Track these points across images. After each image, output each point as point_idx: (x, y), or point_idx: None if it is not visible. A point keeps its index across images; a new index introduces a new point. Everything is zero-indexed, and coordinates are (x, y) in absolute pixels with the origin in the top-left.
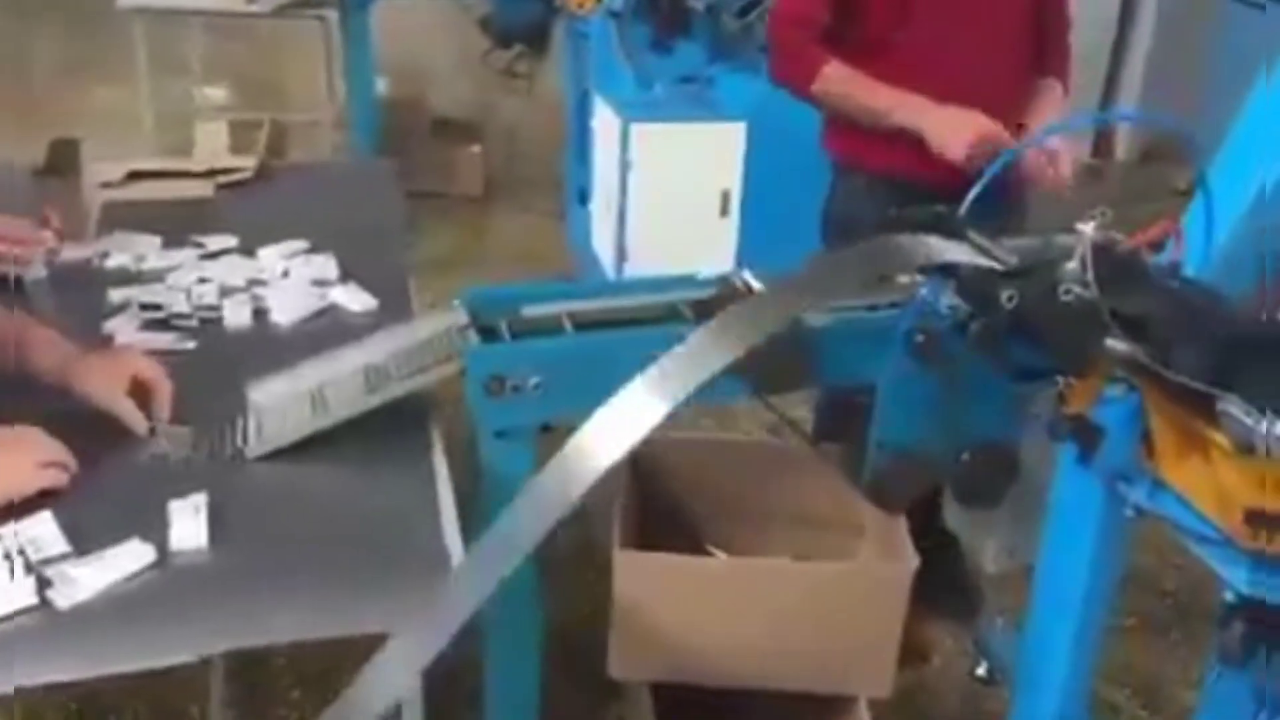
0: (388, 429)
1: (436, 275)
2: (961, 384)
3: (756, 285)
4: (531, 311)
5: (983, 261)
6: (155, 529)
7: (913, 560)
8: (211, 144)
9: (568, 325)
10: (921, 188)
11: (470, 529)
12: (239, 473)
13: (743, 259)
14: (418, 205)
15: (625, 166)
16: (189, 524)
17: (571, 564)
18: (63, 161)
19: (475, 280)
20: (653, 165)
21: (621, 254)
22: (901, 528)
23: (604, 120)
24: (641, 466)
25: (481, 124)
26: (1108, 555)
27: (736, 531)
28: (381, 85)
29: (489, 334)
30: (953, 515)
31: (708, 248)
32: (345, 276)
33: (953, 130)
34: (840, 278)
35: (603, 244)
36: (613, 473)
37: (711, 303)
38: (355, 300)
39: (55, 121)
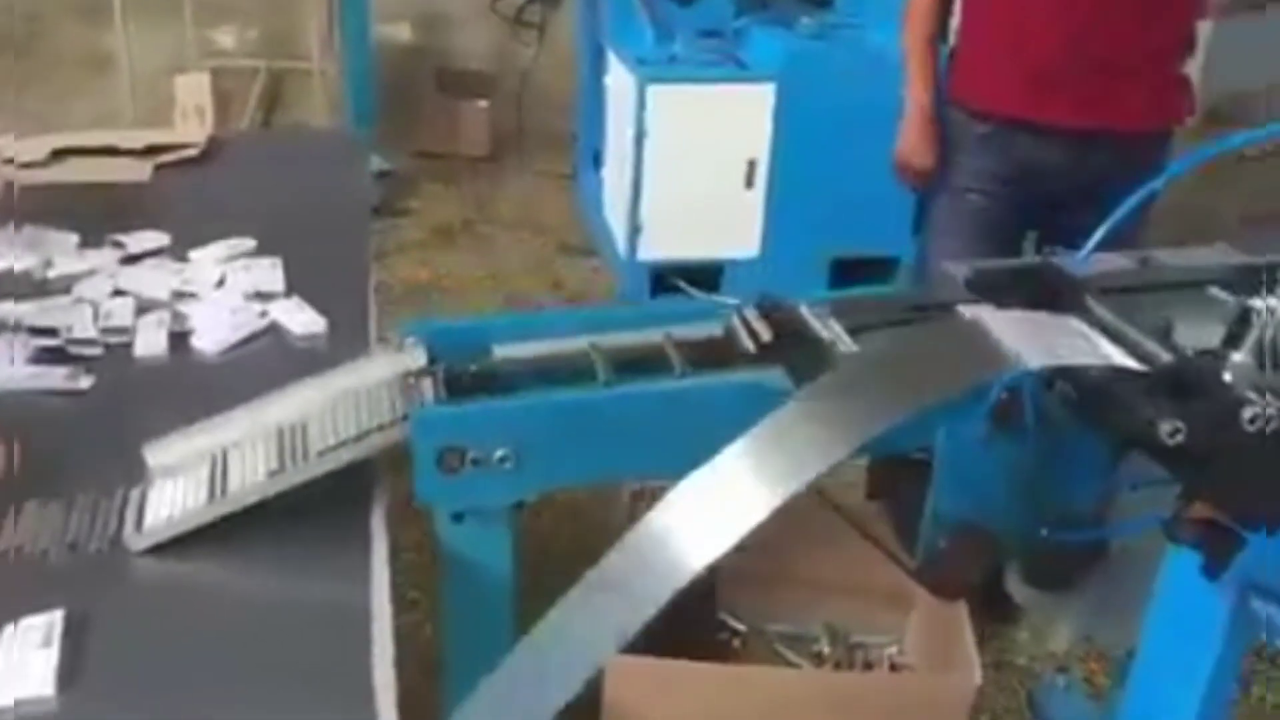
0: (318, 506)
1: (438, 246)
2: (1045, 449)
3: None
4: (505, 352)
5: (1117, 359)
6: None
7: (975, 669)
8: (192, 98)
9: (545, 374)
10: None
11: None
12: (113, 573)
13: (769, 237)
14: (421, 167)
15: (641, 133)
16: (33, 662)
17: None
18: None
19: (477, 253)
20: (671, 131)
21: (635, 228)
22: (959, 605)
23: (618, 79)
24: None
25: (492, 77)
26: (1229, 671)
27: (761, 596)
28: (393, 31)
29: (449, 384)
30: (1017, 586)
31: (731, 224)
32: (292, 288)
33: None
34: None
35: (615, 215)
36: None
37: (722, 345)
38: (299, 321)
39: (22, 74)
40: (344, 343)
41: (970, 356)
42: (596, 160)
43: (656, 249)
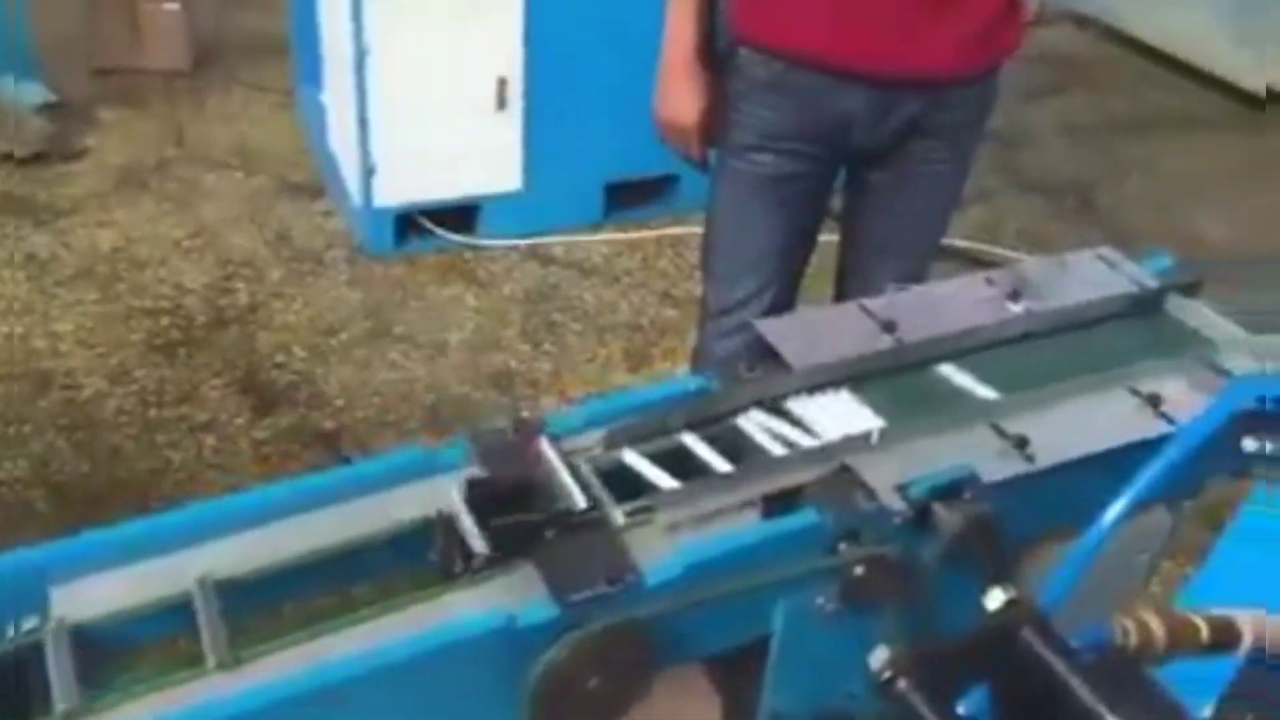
0: None
1: (125, 198)
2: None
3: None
4: (70, 601)
5: None
6: None
7: None
8: None
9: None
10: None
11: None
12: None
13: (532, 165)
14: (99, 90)
15: (362, 52)
16: None
17: None
18: None
19: (178, 202)
20: (400, 51)
21: (369, 169)
22: None
23: None
24: None
25: None
26: None
27: None
28: None
29: None
30: None
31: (485, 154)
32: None
33: (667, 103)
34: None
35: (344, 152)
36: None
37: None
38: None
39: None
40: None
41: None
42: (316, 76)
43: (397, 192)
